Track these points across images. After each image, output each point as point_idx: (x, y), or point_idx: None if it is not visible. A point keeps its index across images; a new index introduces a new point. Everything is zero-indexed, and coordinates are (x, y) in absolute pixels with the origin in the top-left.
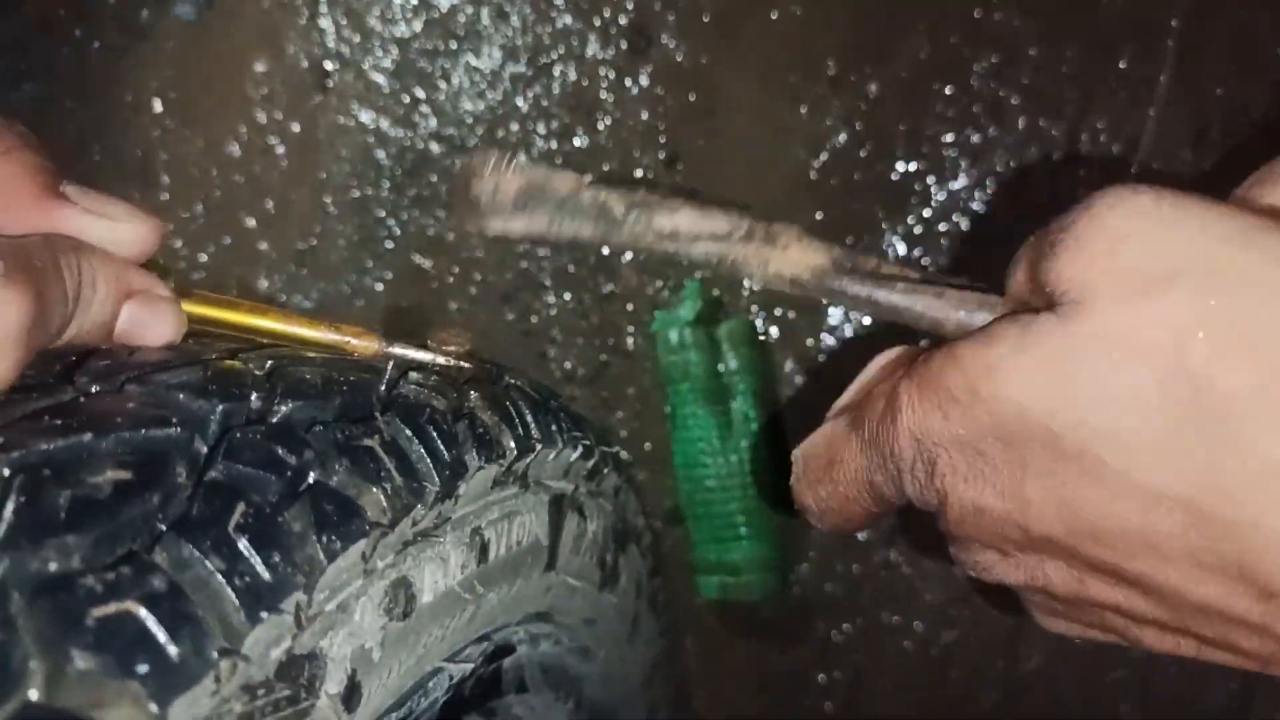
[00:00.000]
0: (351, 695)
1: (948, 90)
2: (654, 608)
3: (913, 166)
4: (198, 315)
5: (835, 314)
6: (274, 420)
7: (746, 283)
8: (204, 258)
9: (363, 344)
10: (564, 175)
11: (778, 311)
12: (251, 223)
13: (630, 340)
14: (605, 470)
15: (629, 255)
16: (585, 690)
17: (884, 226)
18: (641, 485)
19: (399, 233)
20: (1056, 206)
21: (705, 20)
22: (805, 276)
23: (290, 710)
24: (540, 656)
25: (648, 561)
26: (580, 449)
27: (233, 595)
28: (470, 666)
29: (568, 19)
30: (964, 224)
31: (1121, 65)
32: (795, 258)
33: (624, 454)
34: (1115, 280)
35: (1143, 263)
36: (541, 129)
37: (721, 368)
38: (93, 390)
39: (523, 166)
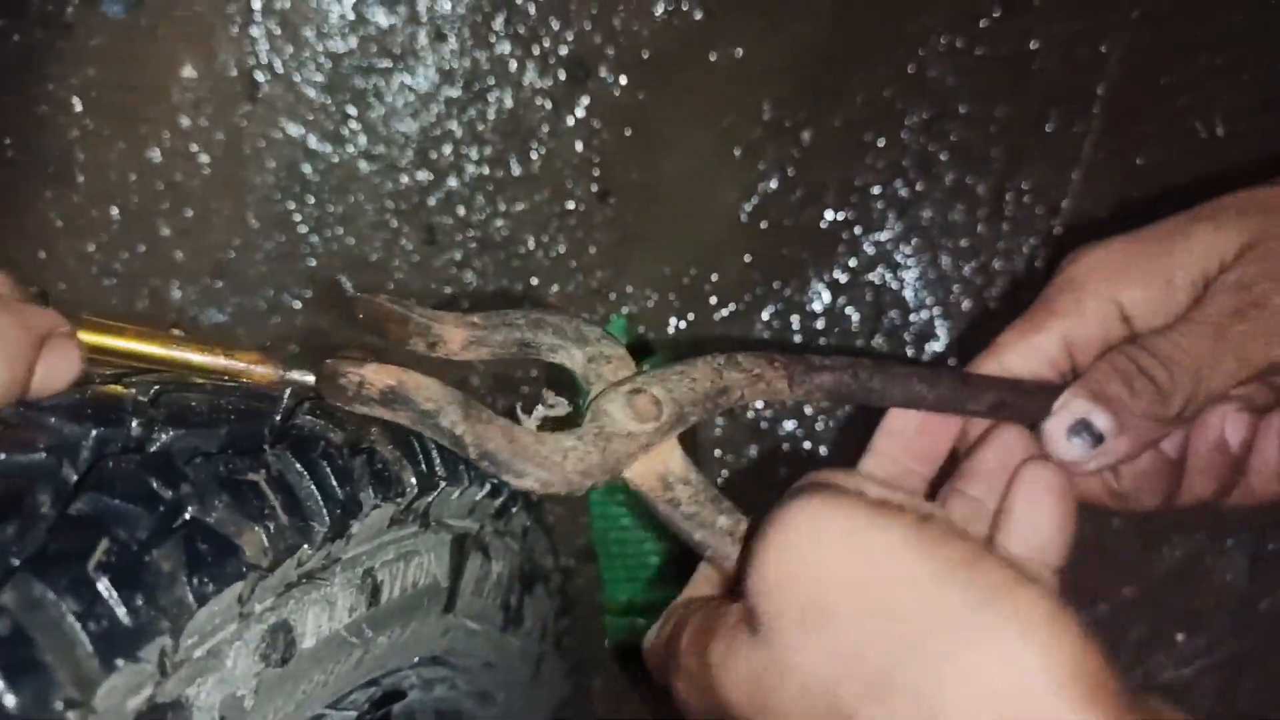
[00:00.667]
0: None
1: (879, 142)
2: (560, 649)
3: (841, 215)
4: (84, 344)
5: None
6: (152, 450)
7: (673, 323)
8: (117, 265)
9: (260, 370)
10: (429, 385)
11: None
12: (168, 232)
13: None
14: (514, 509)
15: (555, 287)
16: None
17: (811, 274)
18: (554, 522)
19: (321, 250)
20: (980, 264)
21: (645, 56)
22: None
23: None
24: (435, 702)
25: (555, 602)
26: (488, 486)
27: (86, 641)
28: (355, 714)
29: (506, 46)
30: (888, 276)
31: (1048, 128)
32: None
33: None
34: (784, 612)
35: (805, 597)
36: (474, 154)
37: None
38: None
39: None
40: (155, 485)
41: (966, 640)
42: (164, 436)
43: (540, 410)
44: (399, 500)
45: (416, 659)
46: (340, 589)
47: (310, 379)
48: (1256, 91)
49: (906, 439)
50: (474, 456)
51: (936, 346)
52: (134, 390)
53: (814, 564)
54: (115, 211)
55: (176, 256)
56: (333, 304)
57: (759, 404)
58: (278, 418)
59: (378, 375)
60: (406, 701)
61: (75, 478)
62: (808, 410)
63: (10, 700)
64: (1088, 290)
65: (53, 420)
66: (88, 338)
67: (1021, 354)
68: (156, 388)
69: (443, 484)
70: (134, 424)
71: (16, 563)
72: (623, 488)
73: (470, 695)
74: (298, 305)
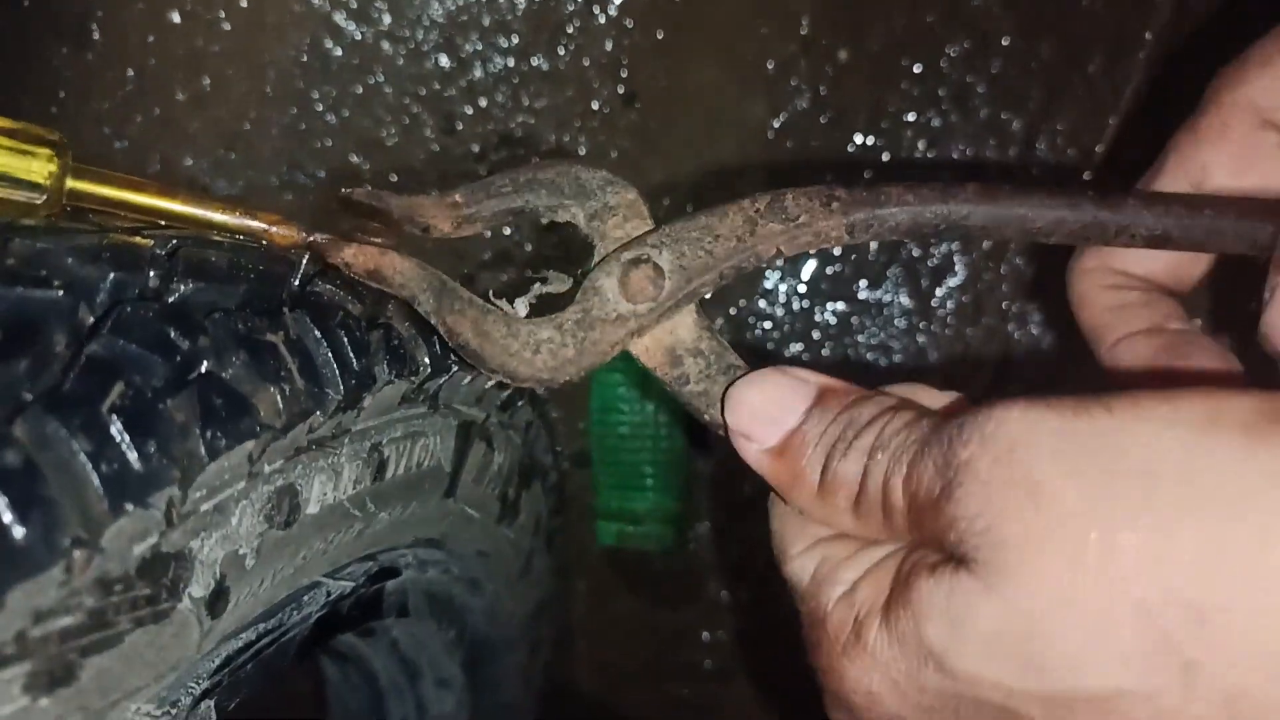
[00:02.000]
0: (217, 601)
1: (916, 69)
2: (550, 547)
3: (870, 140)
4: (97, 195)
5: (772, 276)
6: (170, 300)
7: None
8: (129, 129)
9: (282, 232)
10: (405, 270)
11: None
12: (183, 98)
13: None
14: (520, 403)
15: None
16: (469, 622)
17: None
18: (553, 424)
19: (338, 130)
20: None
21: None
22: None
23: (148, 610)
24: (427, 583)
25: (550, 500)
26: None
27: (97, 481)
28: (351, 585)
29: None
30: None
31: (1090, 69)
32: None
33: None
34: (1043, 533)
35: (1070, 503)
36: (501, 44)
37: None
38: None
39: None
40: (173, 335)
41: None
42: (182, 288)
43: (537, 288)
44: (412, 378)
45: (414, 539)
46: (347, 460)
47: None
48: None
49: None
50: (451, 345)
51: (954, 282)
52: (152, 242)
53: (1071, 469)
54: (130, 73)
55: (190, 125)
56: (346, 183)
57: (767, 324)
58: (296, 282)
59: (357, 258)
60: (400, 580)
61: (91, 320)
62: (814, 335)
63: (19, 532)
64: (1228, 106)
65: (69, 261)
66: (104, 189)
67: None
68: (174, 241)
69: (454, 367)
70: (151, 273)
71: (29, 398)
72: (622, 394)
73: (461, 581)
74: (310, 184)
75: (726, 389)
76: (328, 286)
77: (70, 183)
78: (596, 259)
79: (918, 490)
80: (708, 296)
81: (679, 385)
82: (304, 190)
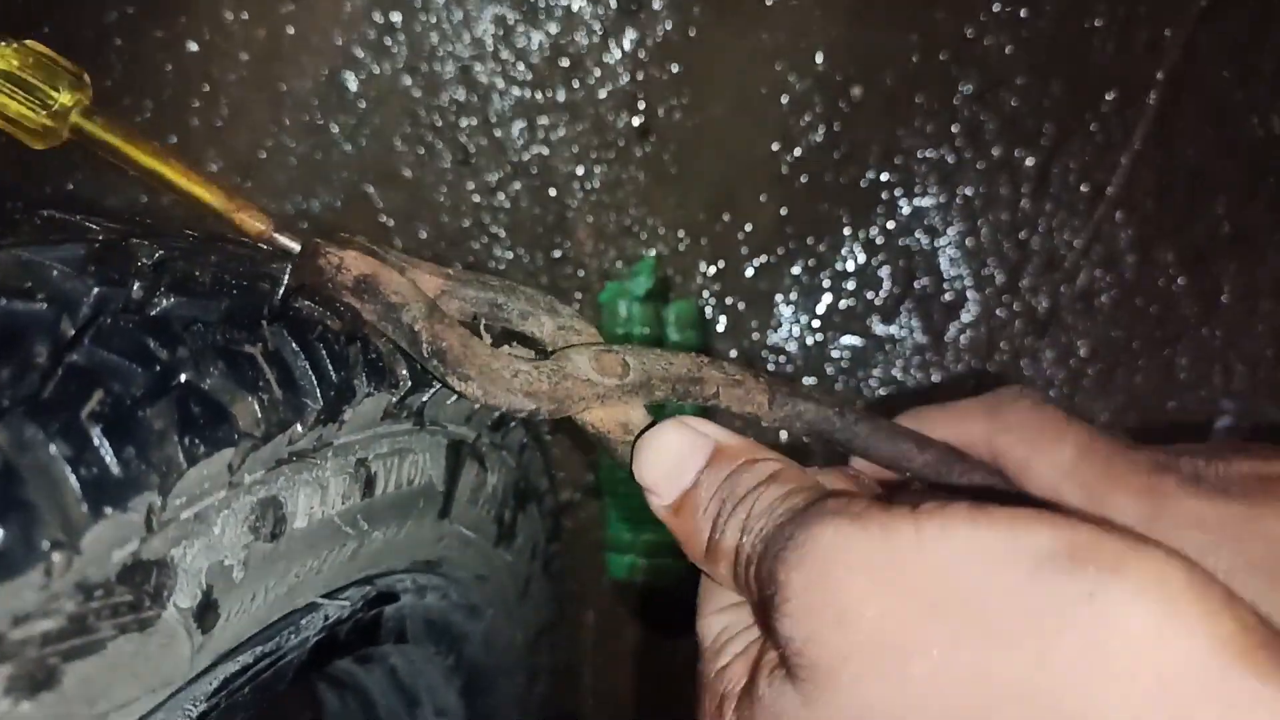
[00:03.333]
0: (206, 613)
1: (929, 106)
2: (548, 573)
3: (883, 176)
4: (99, 139)
5: (785, 311)
6: (151, 313)
7: (701, 268)
8: None
9: (252, 221)
10: (400, 282)
11: (728, 300)
12: (199, 125)
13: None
14: (511, 424)
15: (589, 218)
16: (467, 648)
17: (846, 232)
18: (562, 455)
19: (354, 160)
20: (1018, 241)
21: None
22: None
23: (131, 617)
24: (425, 609)
25: (547, 524)
26: None
27: (76, 485)
28: (349, 607)
29: None
30: (925, 242)
31: (1102, 109)
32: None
33: None
34: (847, 657)
35: (870, 628)
36: (518, 76)
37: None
38: None
39: (377, 254)
40: (152, 345)
41: (1100, 633)
42: (165, 302)
43: (505, 349)
44: (392, 392)
45: (411, 562)
46: (333, 474)
47: (296, 246)
48: None
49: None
50: (425, 354)
51: (966, 317)
52: (140, 253)
53: (872, 591)
54: (149, 102)
55: (207, 152)
56: (360, 216)
57: (780, 358)
58: (278, 298)
59: (355, 262)
60: (399, 605)
61: (73, 332)
62: (828, 370)
63: None
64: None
65: (55, 273)
66: (106, 135)
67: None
68: (161, 253)
69: (437, 383)
70: (135, 286)
71: (7, 403)
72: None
73: (460, 608)
74: (326, 213)
75: (635, 439)
76: (306, 304)
77: (75, 118)
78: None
79: (762, 589)
80: (660, 398)
81: (624, 448)
82: (319, 219)
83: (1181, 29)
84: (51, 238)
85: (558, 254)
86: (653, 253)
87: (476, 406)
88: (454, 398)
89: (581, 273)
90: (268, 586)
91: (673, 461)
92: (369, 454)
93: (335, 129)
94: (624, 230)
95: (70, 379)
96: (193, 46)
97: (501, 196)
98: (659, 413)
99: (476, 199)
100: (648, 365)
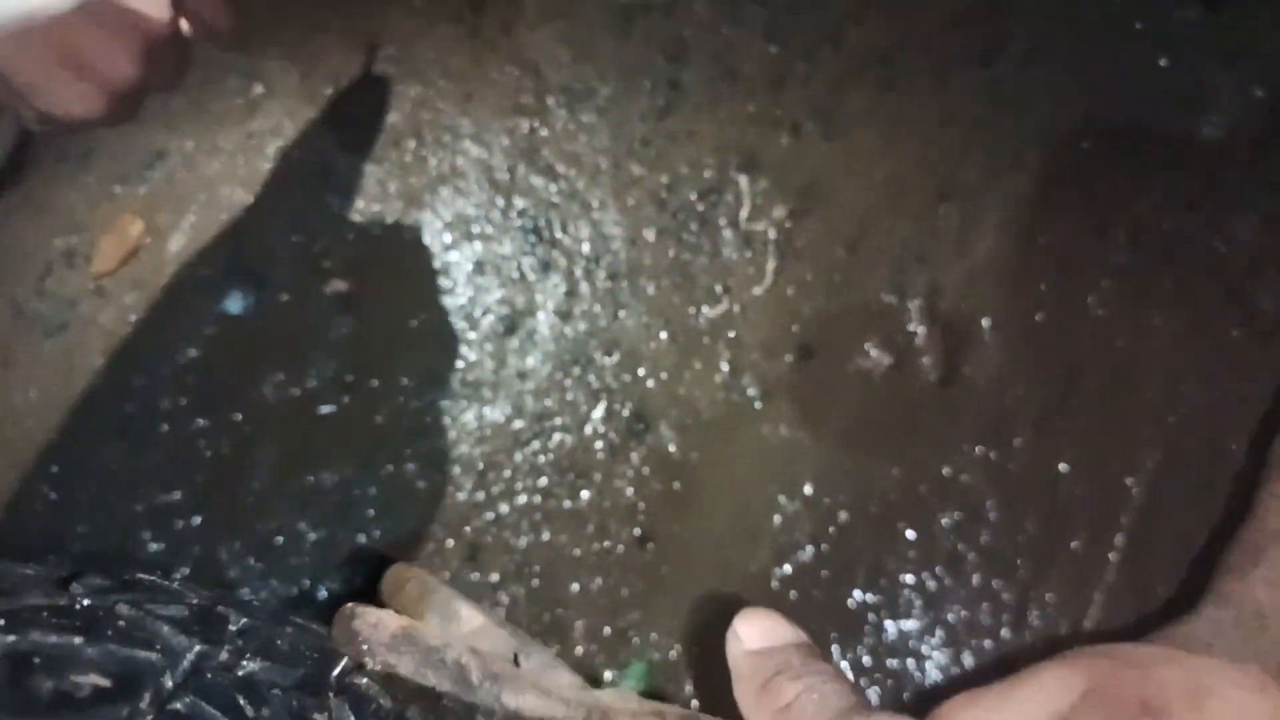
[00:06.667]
0: None
1: (911, 534)
2: None
3: (869, 598)
4: None
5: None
6: (239, 673)
7: (693, 678)
8: (171, 528)
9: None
10: (436, 632)
11: (717, 716)
12: (225, 509)
13: None
14: None
15: (582, 622)
16: None
17: (835, 650)
18: None
19: (364, 549)
20: (1004, 671)
21: (702, 420)
22: None
23: None
24: None
25: None
26: None
27: None
28: None
29: (580, 394)
30: (911, 665)
31: (1074, 546)
32: None
33: None
34: None
35: None
36: (529, 484)
37: None
38: (85, 602)
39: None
40: (242, 702)
41: None
42: (251, 665)
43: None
44: None
45: None
46: None
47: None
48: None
49: None
50: (477, 681)
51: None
52: (229, 619)
53: None
54: (180, 481)
55: (227, 533)
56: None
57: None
58: (340, 670)
59: (393, 619)
60: None
61: (172, 683)
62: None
63: None
64: None
65: (165, 629)
66: None
67: None
68: (245, 621)
69: None
70: (227, 648)
71: None
72: None
73: None
74: (334, 595)
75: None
76: (364, 680)
77: None
78: None
79: None
80: None
81: None
82: (320, 606)
83: (1144, 475)
84: (159, 598)
85: (556, 651)
86: (648, 659)
87: None
88: None
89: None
90: None
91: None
92: None
93: (351, 519)
94: (619, 634)
95: None
96: (206, 452)
97: (505, 594)
98: None
99: (479, 594)
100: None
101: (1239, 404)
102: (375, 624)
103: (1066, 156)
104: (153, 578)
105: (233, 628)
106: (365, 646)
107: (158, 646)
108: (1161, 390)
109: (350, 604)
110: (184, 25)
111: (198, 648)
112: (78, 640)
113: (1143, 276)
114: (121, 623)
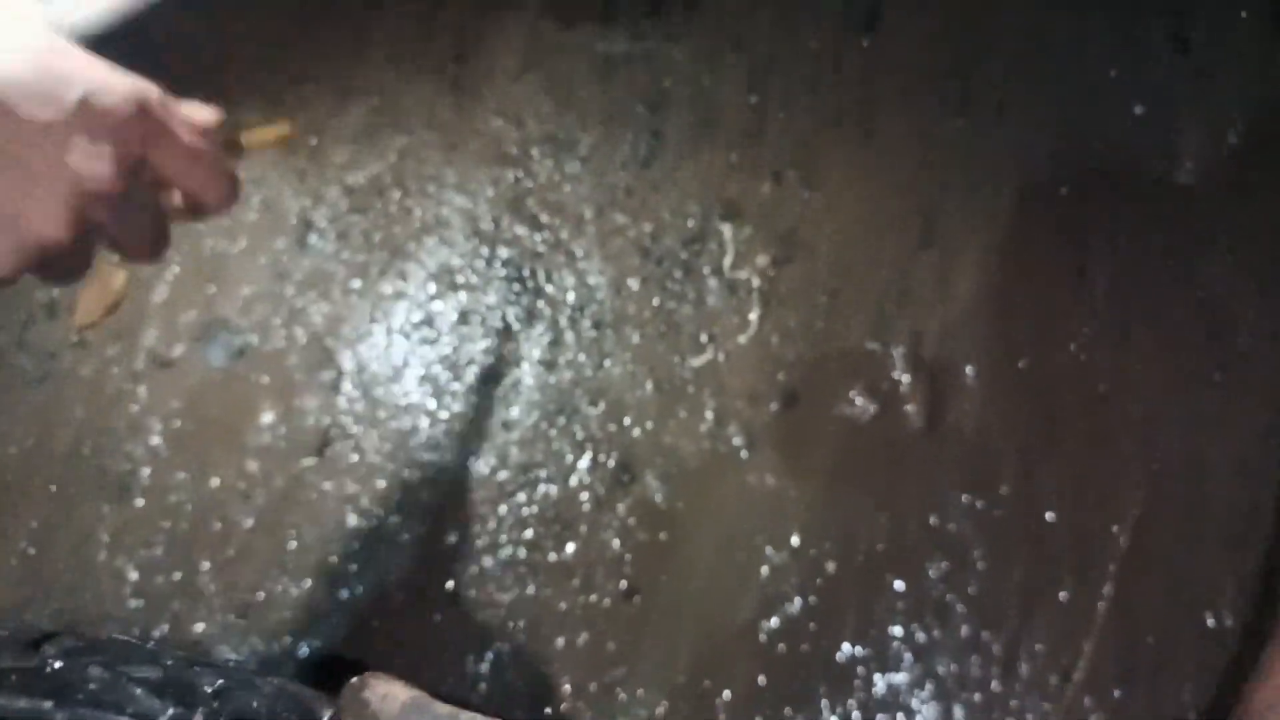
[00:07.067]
0: None
1: (898, 585)
2: None
3: (858, 651)
4: None
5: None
6: None
7: None
8: (149, 587)
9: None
10: (441, 703)
11: None
12: (207, 565)
13: None
14: None
15: (567, 677)
16: None
17: (823, 705)
18: None
19: (346, 605)
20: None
21: (688, 469)
22: None
23: None
24: None
25: None
26: None
27: None
28: None
29: (565, 444)
30: None
31: (1062, 596)
32: None
33: None
34: None
35: None
36: (514, 536)
37: None
38: (56, 665)
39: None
40: None
41: None
42: None
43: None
44: None
45: None
46: None
47: None
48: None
49: None
50: None
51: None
52: (202, 681)
53: None
54: (161, 536)
55: (208, 589)
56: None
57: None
58: None
59: (403, 689)
60: None
61: None
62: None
63: None
64: None
65: (138, 692)
66: None
67: None
68: (220, 683)
69: None
70: (201, 710)
71: None
72: None
73: None
74: (314, 657)
75: None
76: None
77: None
78: None
79: None
80: None
81: None
82: (302, 664)
83: (1128, 520)
84: (133, 659)
85: (548, 710)
86: (633, 714)
87: None
88: None
89: None
90: None
91: None
92: None
93: (335, 574)
94: (604, 688)
95: None
96: (214, 484)
97: (489, 650)
98: None
99: (462, 647)
100: None
101: (1222, 447)
102: (385, 695)
103: (1044, 204)
104: (126, 638)
105: (208, 689)
106: (377, 719)
107: (130, 710)
108: (1144, 435)
109: (359, 676)
110: (175, 198)
111: (171, 710)
112: (47, 704)
113: (1123, 322)
114: (93, 685)
